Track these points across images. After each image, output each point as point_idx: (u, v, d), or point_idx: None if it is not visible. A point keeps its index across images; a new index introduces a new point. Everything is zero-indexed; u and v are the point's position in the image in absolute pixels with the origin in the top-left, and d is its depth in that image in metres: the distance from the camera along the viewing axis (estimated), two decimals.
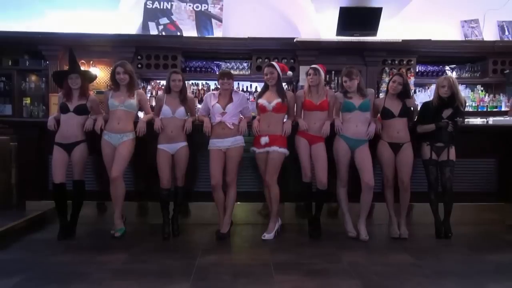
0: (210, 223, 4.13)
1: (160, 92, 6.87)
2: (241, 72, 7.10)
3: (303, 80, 6.57)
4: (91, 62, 6.79)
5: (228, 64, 7.23)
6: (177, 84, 3.81)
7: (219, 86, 3.93)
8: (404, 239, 3.83)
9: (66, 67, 6.44)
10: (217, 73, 6.92)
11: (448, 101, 3.86)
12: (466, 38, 7.17)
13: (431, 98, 4.11)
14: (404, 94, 3.86)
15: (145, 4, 7.12)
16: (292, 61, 6.88)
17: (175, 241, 3.79)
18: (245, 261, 3.23)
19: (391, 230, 3.95)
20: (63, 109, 3.79)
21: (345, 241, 3.80)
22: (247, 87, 7.28)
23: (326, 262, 3.21)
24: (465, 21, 7.24)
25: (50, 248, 3.48)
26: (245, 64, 7.19)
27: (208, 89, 7.11)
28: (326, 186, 3.83)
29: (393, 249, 3.58)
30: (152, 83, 7.19)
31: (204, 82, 7.21)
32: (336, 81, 6.76)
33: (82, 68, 4.65)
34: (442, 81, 3.88)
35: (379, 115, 3.97)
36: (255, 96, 4.87)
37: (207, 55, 7.14)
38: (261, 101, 3.85)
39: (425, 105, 4.06)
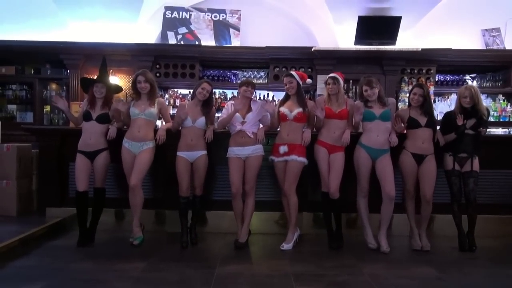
0: (228, 232, 4.11)
1: (178, 101, 6.94)
2: (258, 81, 7.09)
3: (320, 89, 6.55)
4: (111, 71, 6.85)
5: (246, 73, 7.26)
6: (204, 93, 3.81)
7: (239, 94, 3.92)
8: (427, 252, 3.74)
9: (86, 75, 6.61)
10: (234, 82, 7.03)
11: (471, 111, 3.79)
12: (487, 47, 7.06)
13: (451, 107, 4.03)
14: (426, 105, 3.79)
15: (164, 14, 7.21)
16: (309, 70, 6.88)
17: (193, 250, 3.77)
18: (265, 272, 3.18)
19: (412, 242, 3.86)
20: (86, 117, 3.83)
21: (366, 252, 3.73)
22: (264, 96, 7.28)
23: (347, 274, 3.15)
24: (486, 30, 7.13)
25: (70, 255, 3.50)
26: (262, 73, 7.21)
27: (225, 98, 7.16)
28: (337, 196, 3.77)
29: (415, 262, 3.49)
30: (170, 92, 7.25)
31: (221, 91, 7.24)
32: (354, 90, 6.71)
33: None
34: (463, 91, 3.81)
35: (402, 125, 3.90)
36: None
37: (225, 64, 7.19)
38: (282, 109, 3.83)
39: (447, 115, 3.99)
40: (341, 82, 3.86)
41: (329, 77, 3.87)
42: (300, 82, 3.89)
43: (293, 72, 3.92)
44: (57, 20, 7.01)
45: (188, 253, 3.67)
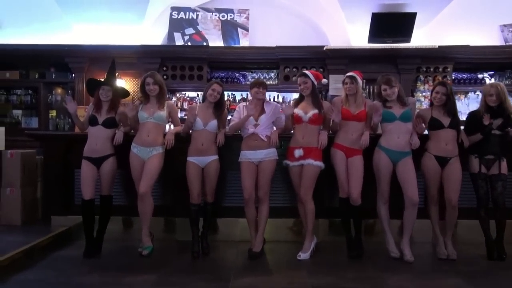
0: (240, 241, 3.93)
1: (185, 104, 6.78)
2: (268, 82, 6.87)
3: (332, 90, 6.36)
4: (117, 74, 6.71)
5: (255, 74, 7.08)
6: (215, 95, 3.65)
7: (250, 96, 3.75)
8: (453, 261, 3.53)
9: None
10: (243, 83, 6.85)
11: (497, 110, 3.57)
12: (506, 43, 6.79)
13: (469, 107, 3.82)
14: (450, 104, 3.57)
15: (171, 14, 7.06)
16: (321, 70, 6.65)
17: (206, 260, 3.58)
18: (283, 284, 3.00)
19: (438, 250, 3.64)
20: (92, 121, 3.68)
21: (388, 262, 3.52)
22: (274, 97, 7.08)
23: (371, 286, 2.95)
24: (505, 25, 6.87)
25: (76, 267, 3.34)
26: (272, 74, 7.02)
27: (234, 100, 6.98)
28: (359, 202, 3.58)
29: (443, 272, 3.28)
30: (178, 95, 7.09)
31: (230, 93, 7.06)
32: (367, 90, 6.49)
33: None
34: (489, 89, 3.60)
35: (423, 125, 3.69)
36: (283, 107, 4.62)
37: (233, 65, 7.02)
38: (297, 111, 3.63)
39: (472, 114, 3.79)
40: (360, 81, 3.66)
41: (346, 76, 3.67)
42: (315, 82, 3.69)
43: (307, 72, 3.72)
44: (61, 23, 6.88)
45: (200, 264, 3.49)
